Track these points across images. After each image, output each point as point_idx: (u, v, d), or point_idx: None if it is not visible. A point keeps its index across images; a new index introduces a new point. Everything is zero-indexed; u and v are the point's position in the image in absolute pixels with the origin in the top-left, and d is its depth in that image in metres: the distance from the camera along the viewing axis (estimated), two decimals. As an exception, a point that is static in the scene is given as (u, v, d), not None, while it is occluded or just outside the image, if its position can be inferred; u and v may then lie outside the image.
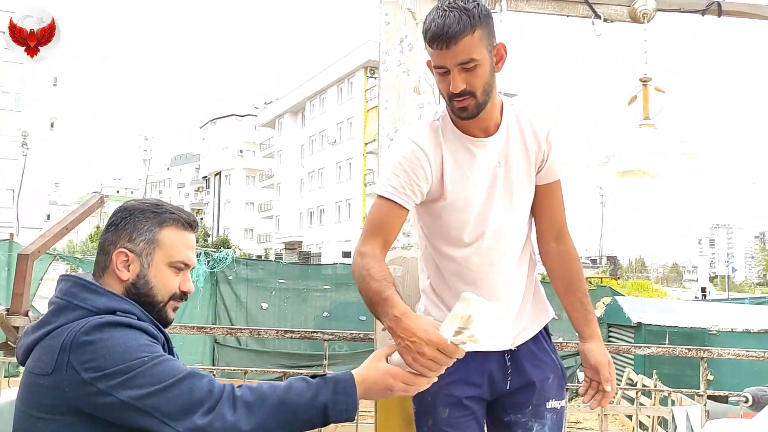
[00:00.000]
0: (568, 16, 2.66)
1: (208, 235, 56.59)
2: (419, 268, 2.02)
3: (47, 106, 38.04)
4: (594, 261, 44.71)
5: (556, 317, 2.09)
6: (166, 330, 1.46)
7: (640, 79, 2.77)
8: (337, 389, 1.31)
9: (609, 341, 9.69)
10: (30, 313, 2.37)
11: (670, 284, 58.18)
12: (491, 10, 2.58)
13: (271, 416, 1.25)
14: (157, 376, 1.22)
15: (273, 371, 6.20)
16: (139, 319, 1.34)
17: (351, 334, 2.67)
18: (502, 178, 1.78)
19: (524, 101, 1.86)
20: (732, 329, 9.02)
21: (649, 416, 7.32)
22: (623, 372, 8.86)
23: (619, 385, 8.92)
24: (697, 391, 2.72)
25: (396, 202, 1.70)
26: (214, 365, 9.14)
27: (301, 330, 2.58)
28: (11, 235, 9.58)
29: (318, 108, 44.45)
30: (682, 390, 4.53)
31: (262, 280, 9.93)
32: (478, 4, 1.61)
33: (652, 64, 2.77)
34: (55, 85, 40.84)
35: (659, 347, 2.73)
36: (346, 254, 26.32)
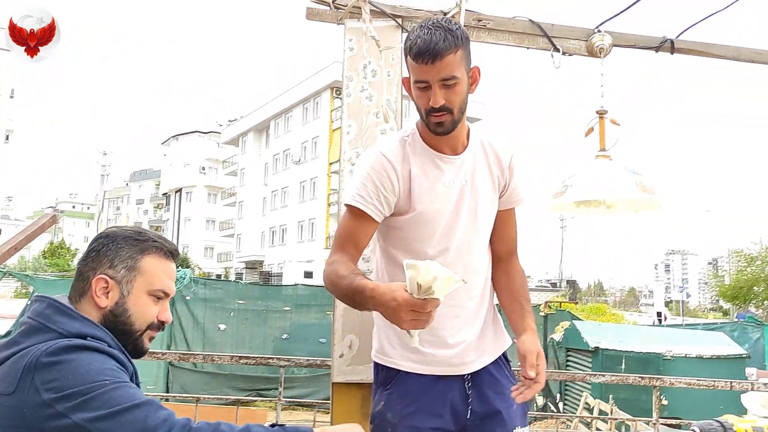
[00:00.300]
0: (528, 48, 2.72)
1: (167, 253, 55.35)
2: None
3: (3, 119, 37.08)
4: (554, 285, 45.25)
5: (515, 340, 2.11)
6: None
7: (597, 112, 2.83)
8: None
9: (568, 366, 9.80)
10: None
11: (627, 308, 59.20)
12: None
13: None
14: (114, 400, 1.19)
15: (227, 397, 6.07)
16: (109, 346, 1.32)
17: (308, 360, 2.64)
18: (468, 196, 1.81)
19: (488, 128, 1.92)
20: (686, 355, 9.22)
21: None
22: (581, 396, 8.95)
23: (575, 409, 9.02)
24: (650, 419, 2.76)
25: (364, 212, 1.73)
26: (168, 388, 8.91)
27: (256, 356, 2.53)
28: (-41, 250, 9.23)
29: (283, 127, 44.32)
30: (636, 419, 4.59)
31: (221, 301, 9.76)
32: (459, 26, 1.70)
33: (608, 98, 2.84)
34: (11, 97, 39.87)
35: (614, 376, 2.77)
36: (308, 275, 26.09)
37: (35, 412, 1.19)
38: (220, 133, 57.15)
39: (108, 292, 1.37)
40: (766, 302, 27.55)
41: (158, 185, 70.76)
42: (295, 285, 11.61)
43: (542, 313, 10.41)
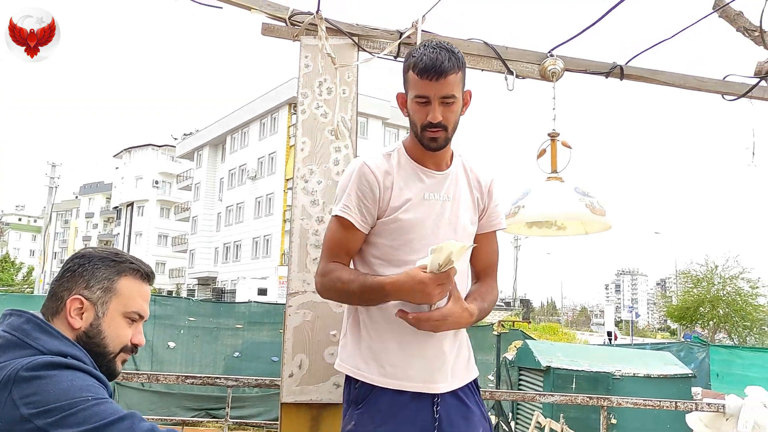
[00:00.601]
0: (482, 70, 2.76)
1: (117, 269, 53.94)
2: (346, 311, 1.98)
3: (-54, 127, 35.72)
4: (508, 304, 45.73)
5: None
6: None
7: (549, 134, 2.88)
8: None
9: (520, 385, 9.87)
10: None
11: (579, 328, 60.18)
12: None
13: None
14: (97, 415, 1.18)
15: (172, 418, 5.90)
16: (86, 365, 1.30)
17: (256, 380, 2.58)
18: (449, 211, 1.86)
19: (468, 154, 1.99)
20: (634, 374, 9.39)
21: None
22: (533, 415, 9.01)
23: (527, 428, 9.07)
24: (598, 439, 2.79)
25: (351, 223, 1.79)
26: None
27: (202, 375, 2.46)
28: None
29: (240, 142, 43.92)
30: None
31: (171, 318, 9.53)
32: (459, 51, 1.80)
33: (560, 120, 2.89)
34: (-44, 105, 38.47)
35: (563, 395, 2.79)
36: (262, 292, 25.76)
37: (12, 427, 1.17)
38: (174, 146, 56.25)
39: (82, 313, 1.36)
40: (711, 322, 28.34)
41: (109, 199, 69.09)
42: (249, 302, 11.43)
43: (495, 332, 10.48)
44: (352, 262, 1.92)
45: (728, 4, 4.47)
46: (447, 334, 1.84)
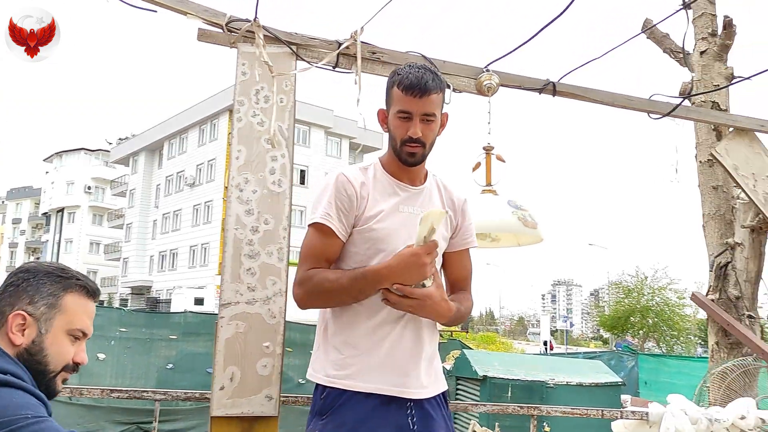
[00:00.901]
0: (420, 83, 2.78)
1: (45, 277, 51.72)
2: (319, 322, 1.97)
3: None
4: (446, 314, 46.08)
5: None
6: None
7: (484, 148, 2.94)
8: None
9: (458, 394, 9.99)
10: None
11: (517, 337, 61.33)
12: (347, 70, 2.65)
13: None
14: None
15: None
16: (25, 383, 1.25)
17: (185, 393, 2.51)
18: None
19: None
20: (567, 383, 9.62)
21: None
22: (469, 424, 9.11)
23: (463, 438, 9.17)
24: (530, 447, 2.84)
25: (333, 230, 1.82)
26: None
27: (129, 389, 2.38)
28: None
29: (178, 148, 42.94)
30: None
31: (101, 328, 9.16)
32: (442, 74, 1.91)
33: (495, 135, 2.95)
34: None
35: (494, 405, 2.83)
36: (199, 301, 25.17)
37: None
38: (109, 151, 54.54)
39: (24, 329, 1.31)
40: (641, 331, 29.37)
41: (38, 204, 66.20)
42: (184, 312, 11.14)
43: (434, 342, 10.54)
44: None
45: (655, 25, 4.67)
46: (418, 339, 1.85)
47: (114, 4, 2.31)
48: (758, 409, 3.17)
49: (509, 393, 9.38)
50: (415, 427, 1.79)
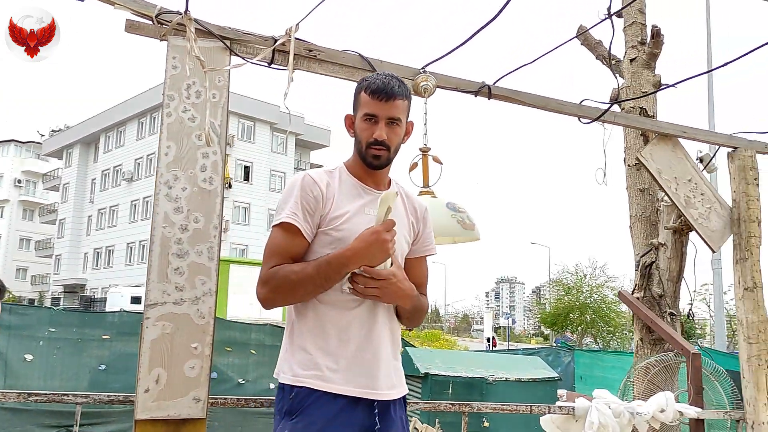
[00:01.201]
0: (357, 82, 2.78)
1: (-29, 274, 49.45)
2: (286, 321, 1.97)
3: None
4: (390, 311, 46.32)
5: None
6: None
7: (420, 149, 2.96)
8: None
9: (398, 392, 10.06)
10: None
11: (461, 334, 62.13)
12: (283, 67, 2.62)
13: None
14: None
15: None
16: None
17: (108, 396, 2.44)
18: None
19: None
20: (506, 379, 9.83)
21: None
22: (410, 421, 9.19)
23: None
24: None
25: (300, 230, 1.83)
26: (-42, 427, 7.84)
27: (49, 392, 2.29)
28: None
29: (115, 141, 41.66)
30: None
31: (29, 328, 8.76)
32: (407, 84, 1.99)
33: (434, 136, 2.97)
34: None
35: (427, 403, 2.87)
36: (136, 300, 24.49)
37: None
38: (41, 143, 52.39)
39: None
40: (579, 328, 30.25)
41: (-36, 198, 63.10)
42: (120, 311, 10.80)
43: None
44: None
45: (587, 31, 4.81)
46: (384, 341, 1.88)
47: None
48: (677, 402, 3.32)
49: (450, 390, 9.51)
50: (379, 427, 1.83)
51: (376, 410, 1.84)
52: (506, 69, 3.20)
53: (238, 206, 38.80)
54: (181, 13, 2.42)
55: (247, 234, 38.56)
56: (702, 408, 3.48)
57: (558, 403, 3.10)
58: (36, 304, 33.67)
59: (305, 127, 43.06)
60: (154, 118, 38.01)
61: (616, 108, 3.61)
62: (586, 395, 3.27)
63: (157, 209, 2.35)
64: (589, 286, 29.82)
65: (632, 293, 4.36)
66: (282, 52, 2.62)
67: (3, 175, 54.66)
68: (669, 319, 4.17)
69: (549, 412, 3.01)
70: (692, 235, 4.10)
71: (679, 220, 4.13)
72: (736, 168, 3.65)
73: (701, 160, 3.81)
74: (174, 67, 2.45)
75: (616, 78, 4.19)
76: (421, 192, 3.03)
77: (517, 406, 2.82)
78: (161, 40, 2.45)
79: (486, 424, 8.52)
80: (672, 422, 3.19)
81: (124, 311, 10.75)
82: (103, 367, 9.17)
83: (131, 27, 2.42)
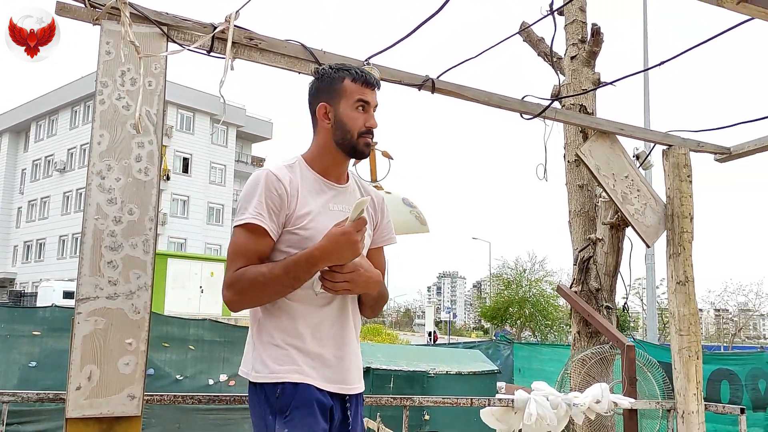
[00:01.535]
0: (299, 72, 2.74)
1: None
2: (251, 322, 1.94)
3: None
4: (333, 306, 46.23)
5: None
6: None
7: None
8: None
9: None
10: None
11: (403, 328, 62.60)
12: (222, 56, 2.55)
13: None
14: None
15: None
16: None
17: (38, 394, 2.33)
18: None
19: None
20: (447, 372, 9.95)
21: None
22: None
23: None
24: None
25: (266, 230, 1.78)
26: None
27: (-31, 392, 2.18)
28: None
29: (46, 130, 40.01)
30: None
31: (-49, 325, 8.36)
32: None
33: (389, 131, 2.96)
34: None
35: (369, 397, 2.85)
36: (69, 295, 23.64)
37: None
38: (-33, 131, 49.84)
39: None
40: (518, 321, 30.92)
41: None
42: (51, 306, 10.38)
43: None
44: None
45: (530, 26, 4.88)
46: (353, 336, 1.90)
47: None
48: (612, 393, 3.42)
49: (392, 384, 9.57)
50: (351, 420, 1.87)
51: (348, 404, 1.87)
52: (450, 63, 3.21)
53: (177, 199, 37.92)
54: (115, -4, 2.31)
55: (185, 227, 37.74)
56: (635, 398, 3.59)
57: (497, 396, 3.15)
58: (-40, 299, 32.05)
59: (246, 119, 42.38)
60: (89, 106, 36.69)
61: (557, 104, 3.68)
62: (525, 387, 3.34)
63: (89, 200, 2.25)
64: (529, 281, 30.53)
65: (570, 287, 4.47)
66: (222, 40, 2.55)
67: (-76, 163, 51.75)
68: (605, 313, 4.29)
69: (489, 405, 3.05)
70: (628, 230, 4.23)
71: (616, 216, 4.25)
72: (670, 165, 3.77)
73: (638, 157, 3.92)
74: (108, 52, 2.34)
75: (557, 75, 4.27)
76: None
77: (457, 399, 2.85)
78: (94, 24, 2.34)
79: (427, 417, 8.61)
80: (607, 412, 3.28)
81: (56, 306, 10.35)
82: (33, 364, 8.81)
83: (62, 10, 2.30)
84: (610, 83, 3.79)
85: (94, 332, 2.18)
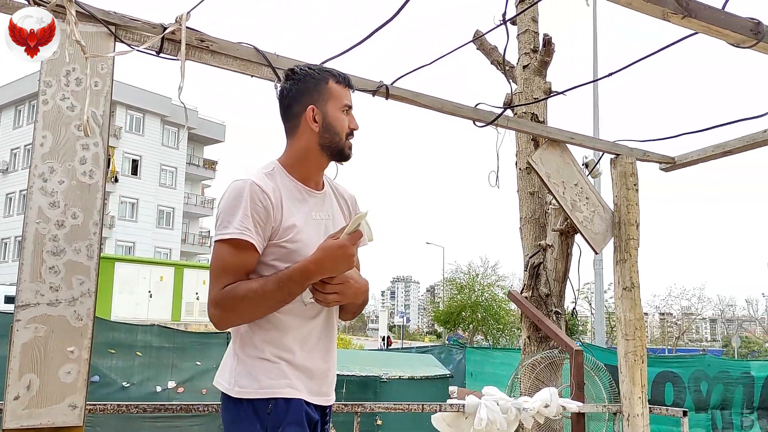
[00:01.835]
0: (252, 76, 2.71)
1: None
2: (233, 338, 1.86)
3: None
4: (287, 311, 45.85)
5: None
6: None
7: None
8: None
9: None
10: None
11: (356, 333, 62.49)
12: (172, 57, 2.50)
13: None
14: None
15: None
16: None
17: (-29, 406, 2.22)
18: (330, 230, 1.86)
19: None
20: (399, 377, 9.97)
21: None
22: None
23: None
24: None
25: (252, 244, 1.71)
26: None
27: None
28: None
29: (-11, 129, 38.56)
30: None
31: None
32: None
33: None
34: None
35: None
36: (10, 300, 22.76)
37: None
38: None
39: None
40: (471, 325, 31.26)
41: None
42: (-10, 312, 9.98)
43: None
44: None
45: (483, 36, 4.95)
46: (335, 347, 1.90)
47: None
48: (561, 397, 3.48)
49: (344, 389, 9.54)
50: (328, 429, 1.89)
51: (328, 417, 1.88)
52: (404, 67, 3.23)
53: (125, 201, 37.04)
54: (61, -7, 2.24)
55: (134, 231, 36.88)
56: (583, 402, 3.67)
57: (449, 401, 3.17)
58: None
59: (198, 121, 41.72)
60: (33, 105, 35.53)
61: (509, 113, 3.73)
62: (477, 392, 3.37)
63: (30, 203, 2.17)
64: (481, 285, 30.92)
65: (521, 292, 4.54)
66: (172, 41, 2.50)
67: None
68: (554, 318, 4.37)
69: (440, 410, 3.07)
70: (577, 237, 4.32)
71: (565, 223, 4.34)
72: (617, 174, 3.87)
73: (587, 165, 4.02)
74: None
75: (509, 83, 4.35)
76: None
77: (408, 404, 2.85)
78: (38, 20, 2.27)
79: (379, 422, 8.61)
80: (555, 416, 3.34)
81: (-2, 312, 9.98)
82: (-31, 373, 8.47)
83: (3, 6, 2.22)
84: (561, 93, 3.87)
85: (34, 340, 2.11)
